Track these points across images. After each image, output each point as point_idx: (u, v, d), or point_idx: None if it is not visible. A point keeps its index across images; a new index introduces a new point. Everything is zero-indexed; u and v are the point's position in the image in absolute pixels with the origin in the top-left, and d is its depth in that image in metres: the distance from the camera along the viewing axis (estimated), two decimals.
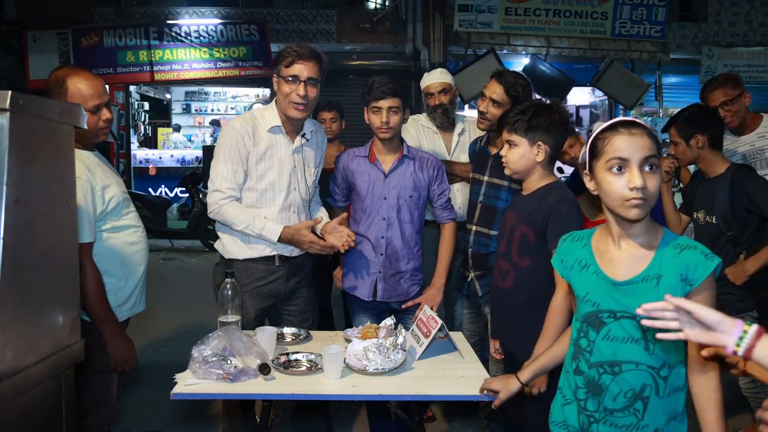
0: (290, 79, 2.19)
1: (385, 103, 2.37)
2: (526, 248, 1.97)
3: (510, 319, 2.05)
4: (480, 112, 2.59)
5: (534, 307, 1.94)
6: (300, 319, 2.41)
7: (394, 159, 2.49)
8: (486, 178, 2.58)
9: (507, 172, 2.08)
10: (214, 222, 2.33)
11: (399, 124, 2.44)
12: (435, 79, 3.06)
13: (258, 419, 2.11)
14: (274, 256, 2.32)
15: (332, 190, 2.63)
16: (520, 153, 1.99)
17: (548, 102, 2.03)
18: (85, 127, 1.65)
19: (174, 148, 10.79)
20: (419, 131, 3.07)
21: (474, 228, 2.58)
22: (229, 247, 2.34)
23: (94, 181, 1.93)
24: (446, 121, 3.06)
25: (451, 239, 2.59)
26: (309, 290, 2.50)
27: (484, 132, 2.67)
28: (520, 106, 2.04)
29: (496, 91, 2.52)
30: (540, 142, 1.97)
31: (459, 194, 2.98)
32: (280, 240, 2.22)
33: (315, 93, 2.24)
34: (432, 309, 2.26)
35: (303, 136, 2.36)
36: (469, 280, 2.60)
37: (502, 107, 2.49)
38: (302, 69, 2.18)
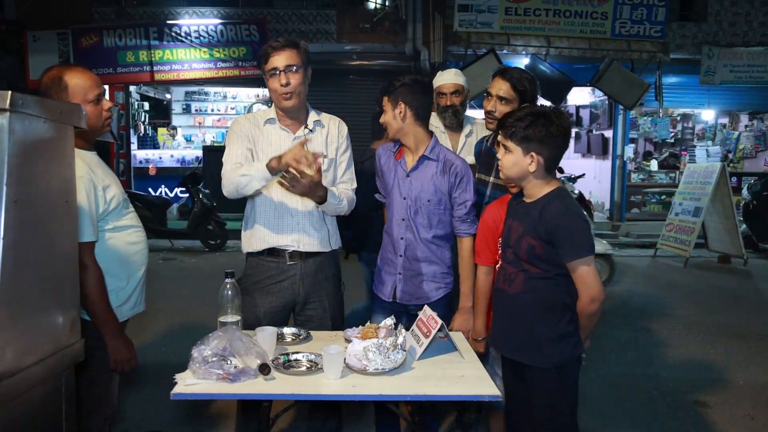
0: (271, 72, 2.24)
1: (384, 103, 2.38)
2: (535, 257, 1.92)
3: (517, 324, 1.99)
4: (487, 112, 2.54)
5: (544, 312, 1.92)
6: (316, 326, 2.35)
7: (416, 159, 2.39)
8: (492, 179, 2.54)
9: (501, 176, 2.02)
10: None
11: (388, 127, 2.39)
12: (448, 79, 3.02)
13: (271, 419, 2.08)
14: (275, 248, 2.32)
15: (377, 184, 2.58)
16: (513, 160, 1.93)
17: (549, 109, 1.94)
18: (85, 127, 1.66)
19: (176, 148, 10.84)
20: None
21: None
22: (243, 241, 2.41)
23: (96, 179, 1.93)
24: (455, 122, 3.03)
25: (470, 257, 2.39)
26: (331, 297, 2.42)
27: (491, 132, 2.61)
28: (519, 112, 1.96)
29: (502, 88, 2.47)
30: (533, 153, 1.90)
31: None
32: (270, 167, 2.08)
33: (298, 79, 2.25)
34: (463, 334, 2.26)
35: (305, 127, 2.36)
36: None
37: (511, 103, 2.43)
38: (278, 59, 2.23)
